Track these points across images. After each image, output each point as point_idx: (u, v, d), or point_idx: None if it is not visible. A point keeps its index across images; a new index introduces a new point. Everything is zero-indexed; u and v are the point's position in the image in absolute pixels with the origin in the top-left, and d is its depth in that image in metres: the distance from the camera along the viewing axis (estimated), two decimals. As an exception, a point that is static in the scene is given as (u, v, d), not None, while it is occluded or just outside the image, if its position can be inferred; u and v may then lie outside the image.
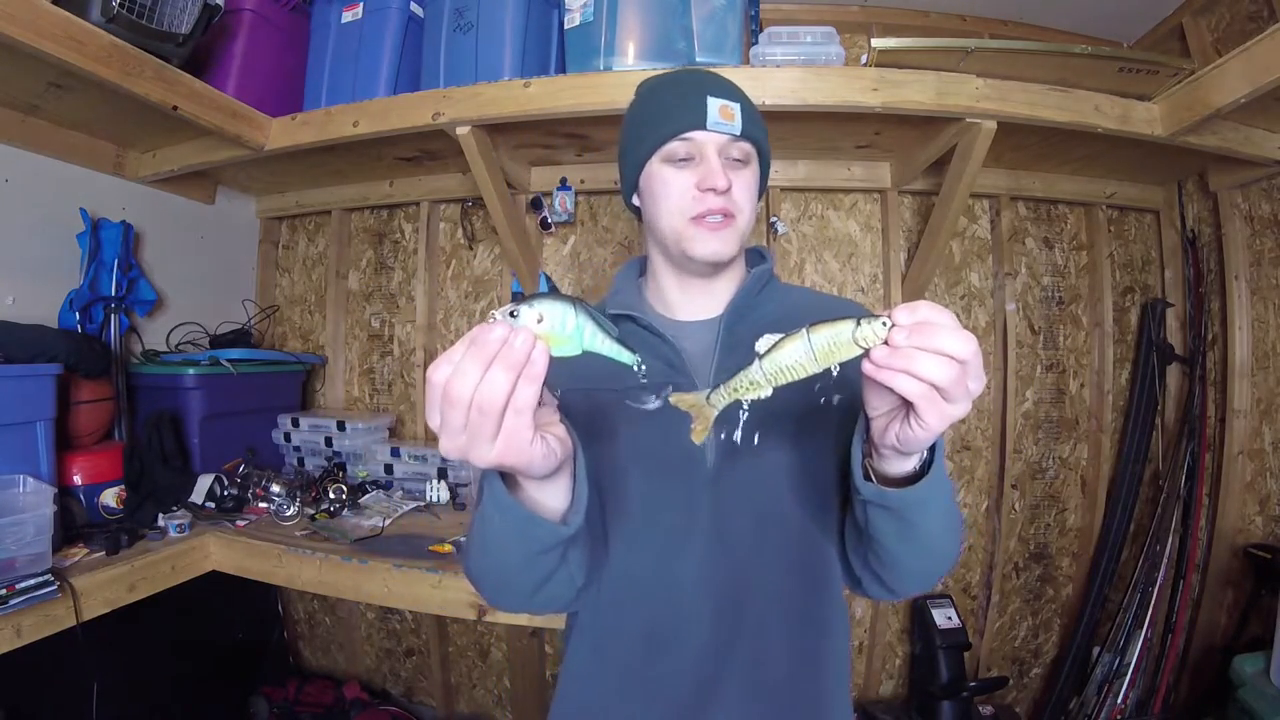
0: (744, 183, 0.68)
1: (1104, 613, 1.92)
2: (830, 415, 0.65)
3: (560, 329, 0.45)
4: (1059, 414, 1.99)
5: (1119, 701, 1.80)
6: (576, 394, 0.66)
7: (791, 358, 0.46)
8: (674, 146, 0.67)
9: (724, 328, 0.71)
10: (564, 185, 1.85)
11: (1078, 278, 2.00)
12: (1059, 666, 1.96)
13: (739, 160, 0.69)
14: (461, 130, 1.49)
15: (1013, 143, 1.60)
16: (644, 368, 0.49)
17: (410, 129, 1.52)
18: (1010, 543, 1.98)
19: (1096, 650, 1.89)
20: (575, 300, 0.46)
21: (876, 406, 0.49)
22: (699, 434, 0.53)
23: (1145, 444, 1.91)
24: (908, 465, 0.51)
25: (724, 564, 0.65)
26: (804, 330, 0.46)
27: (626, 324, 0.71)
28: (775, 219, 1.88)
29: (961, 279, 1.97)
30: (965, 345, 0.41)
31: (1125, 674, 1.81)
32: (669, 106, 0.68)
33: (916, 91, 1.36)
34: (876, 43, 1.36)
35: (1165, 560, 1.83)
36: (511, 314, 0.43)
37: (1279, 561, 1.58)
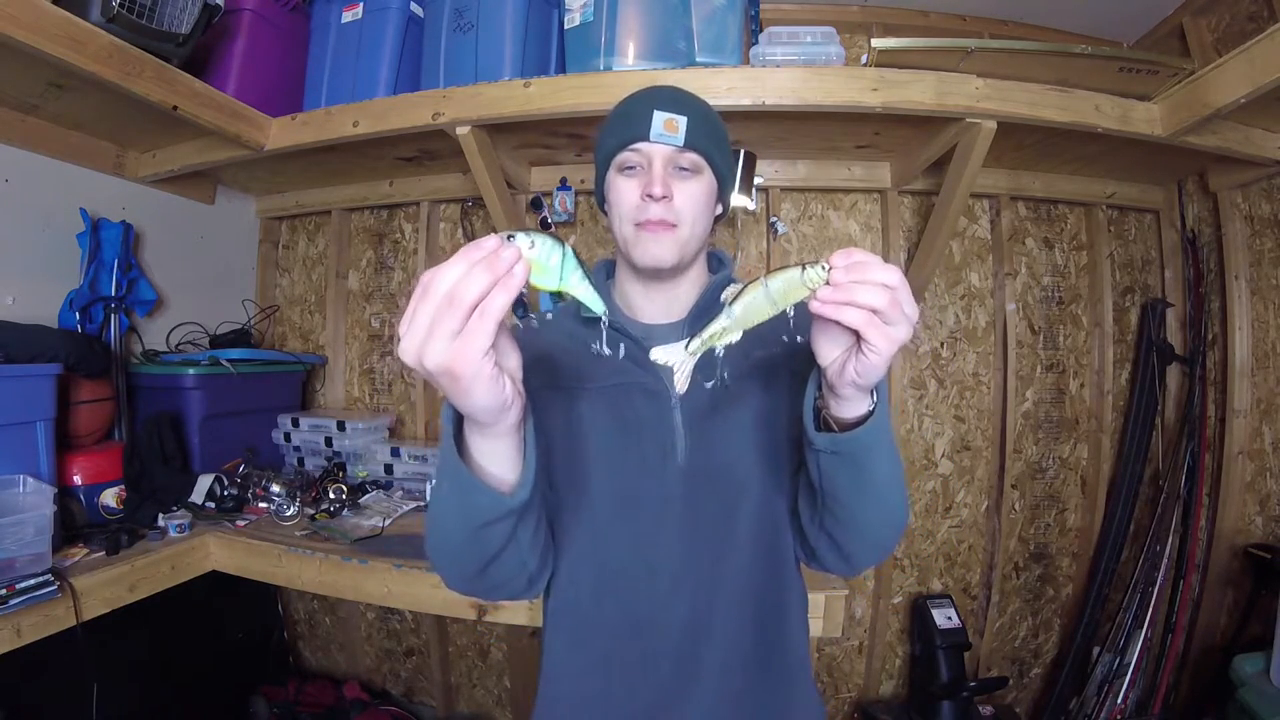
0: (689, 192, 0.72)
1: (1104, 613, 1.92)
2: (788, 399, 0.70)
3: (546, 259, 0.49)
4: (1059, 414, 1.99)
5: (1119, 701, 1.80)
6: (549, 392, 0.71)
7: (754, 303, 0.53)
8: (625, 156, 0.73)
9: (687, 330, 0.76)
10: (564, 185, 1.85)
11: (1078, 278, 2.00)
12: (1059, 666, 1.96)
13: (687, 170, 0.72)
14: (461, 130, 1.49)
15: (1013, 143, 1.60)
16: (608, 318, 0.55)
17: (410, 129, 1.52)
18: (1010, 543, 1.98)
19: (1096, 650, 1.89)
20: (565, 243, 0.51)
21: (829, 354, 0.54)
22: (681, 382, 0.60)
23: (1145, 444, 1.91)
24: (863, 406, 0.56)
25: (697, 548, 0.70)
26: (762, 279, 0.53)
27: (598, 326, 0.75)
28: (775, 219, 1.88)
29: (961, 279, 1.97)
30: (892, 274, 0.48)
31: (1125, 674, 1.81)
32: (623, 119, 0.74)
33: (916, 91, 1.36)
34: (876, 43, 1.36)
35: (1165, 560, 1.83)
36: (509, 237, 0.46)
37: (1279, 561, 1.58)
